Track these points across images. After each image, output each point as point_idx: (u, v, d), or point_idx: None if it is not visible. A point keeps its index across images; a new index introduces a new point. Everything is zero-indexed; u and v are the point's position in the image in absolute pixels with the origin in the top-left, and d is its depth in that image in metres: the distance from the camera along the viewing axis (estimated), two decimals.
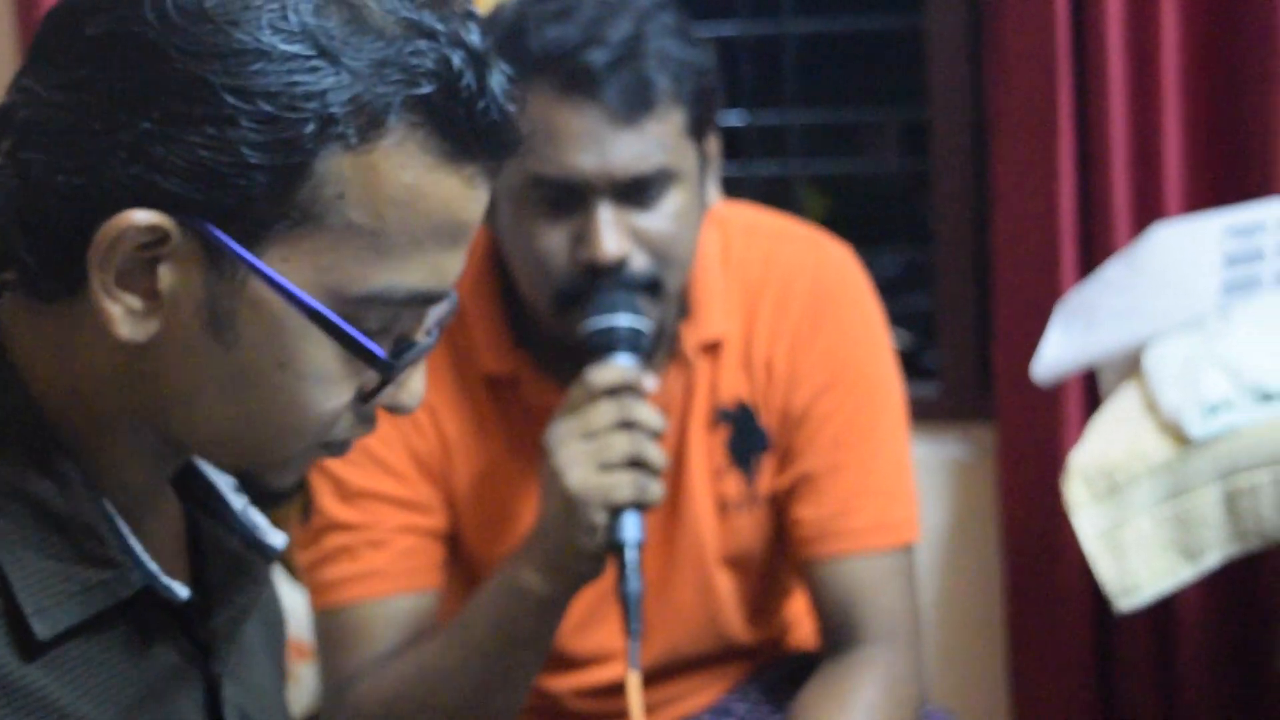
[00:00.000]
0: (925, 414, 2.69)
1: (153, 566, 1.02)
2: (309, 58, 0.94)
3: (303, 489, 1.76)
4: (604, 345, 1.63)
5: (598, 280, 1.63)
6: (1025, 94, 2.51)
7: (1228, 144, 2.46)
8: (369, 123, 0.95)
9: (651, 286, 1.66)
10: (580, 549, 1.59)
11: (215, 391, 0.99)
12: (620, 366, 1.62)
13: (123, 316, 0.96)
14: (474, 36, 0.98)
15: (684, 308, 1.77)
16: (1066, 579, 2.54)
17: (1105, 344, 2.12)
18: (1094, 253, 2.48)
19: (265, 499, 1.15)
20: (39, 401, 1.00)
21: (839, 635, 1.78)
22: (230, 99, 0.92)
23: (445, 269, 1.01)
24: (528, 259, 1.67)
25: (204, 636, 1.08)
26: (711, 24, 2.90)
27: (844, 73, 3.36)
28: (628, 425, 1.59)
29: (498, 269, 1.77)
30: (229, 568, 1.10)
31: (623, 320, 1.63)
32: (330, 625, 1.76)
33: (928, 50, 2.76)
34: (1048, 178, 2.49)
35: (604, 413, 1.59)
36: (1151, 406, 1.94)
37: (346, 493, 1.75)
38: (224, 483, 1.14)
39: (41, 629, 0.97)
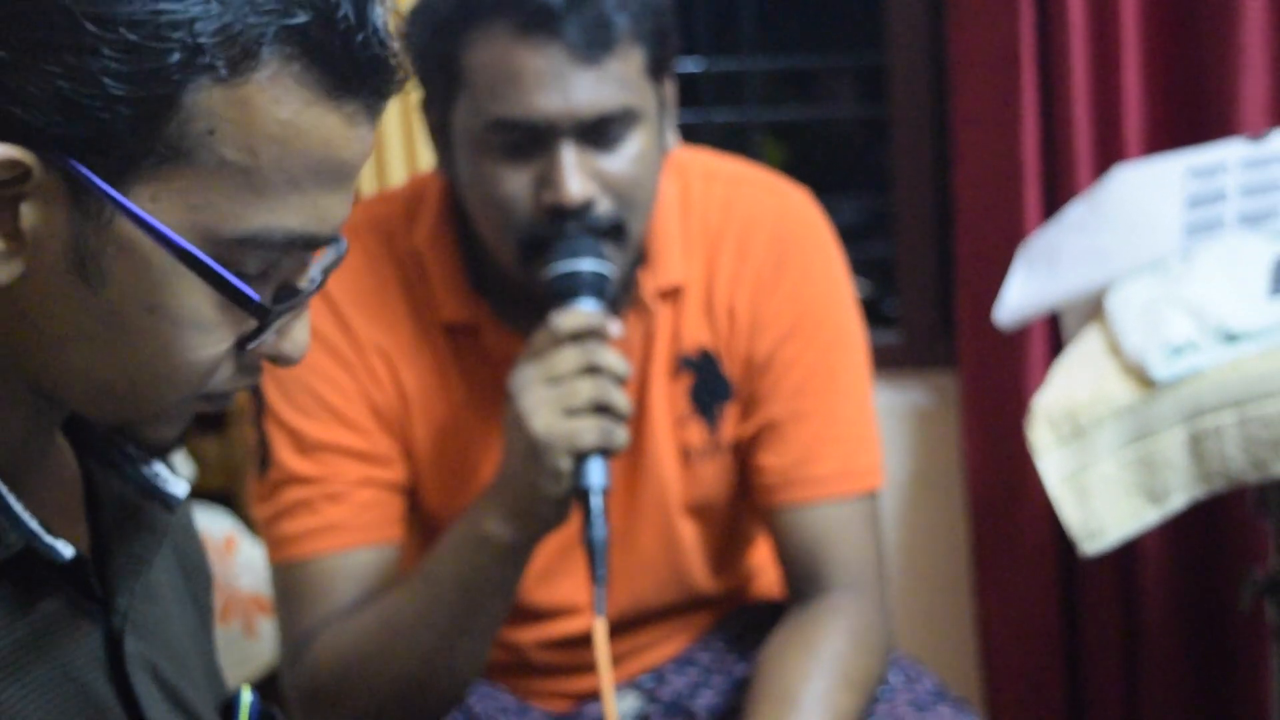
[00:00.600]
0: (887, 361, 2.69)
1: (34, 525, 0.98)
2: None
3: (262, 443, 1.74)
4: (568, 290, 1.61)
5: (561, 224, 1.61)
6: (986, 37, 2.49)
7: (1189, 85, 2.45)
8: (241, 54, 0.90)
9: (615, 231, 1.64)
10: (545, 495, 1.57)
11: (85, 339, 0.95)
12: (585, 311, 1.60)
13: None
14: None
15: (642, 254, 1.75)
16: (1030, 524, 2.55)
17: (1068, 287, 2.11)
18: (1056, 196, 2.47)
19: (148, 451, 1.09)
20: None
21: (804, 583, 1.77)
22: (91, 27, 0.88)
23: (327, 211, 0.96)
24: (489, 206, 1.65)
25: (101, 591, 1.04)
26: None
27: (802, 19, 3.33)
28: (593, 370, 1.58)
29: (455, 217, 1.75)
30: (125, 519, 1.07)
31: (586, 265, 1.61)
32: (289, 579, 1.73)
33: None
34: (1009, 121, 2.48)
35: (569, 358, 1.58)
36: (1115, 349, 1.94)
37: (304, 445, 1.72)
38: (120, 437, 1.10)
39: None
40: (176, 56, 0.89)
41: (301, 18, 0.91)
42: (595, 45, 1.59)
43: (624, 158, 1.63)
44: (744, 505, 1.84)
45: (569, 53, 1.58)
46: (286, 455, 1.72)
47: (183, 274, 0.93)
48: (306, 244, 0.97)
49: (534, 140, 1.61)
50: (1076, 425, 1.86)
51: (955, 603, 2.72)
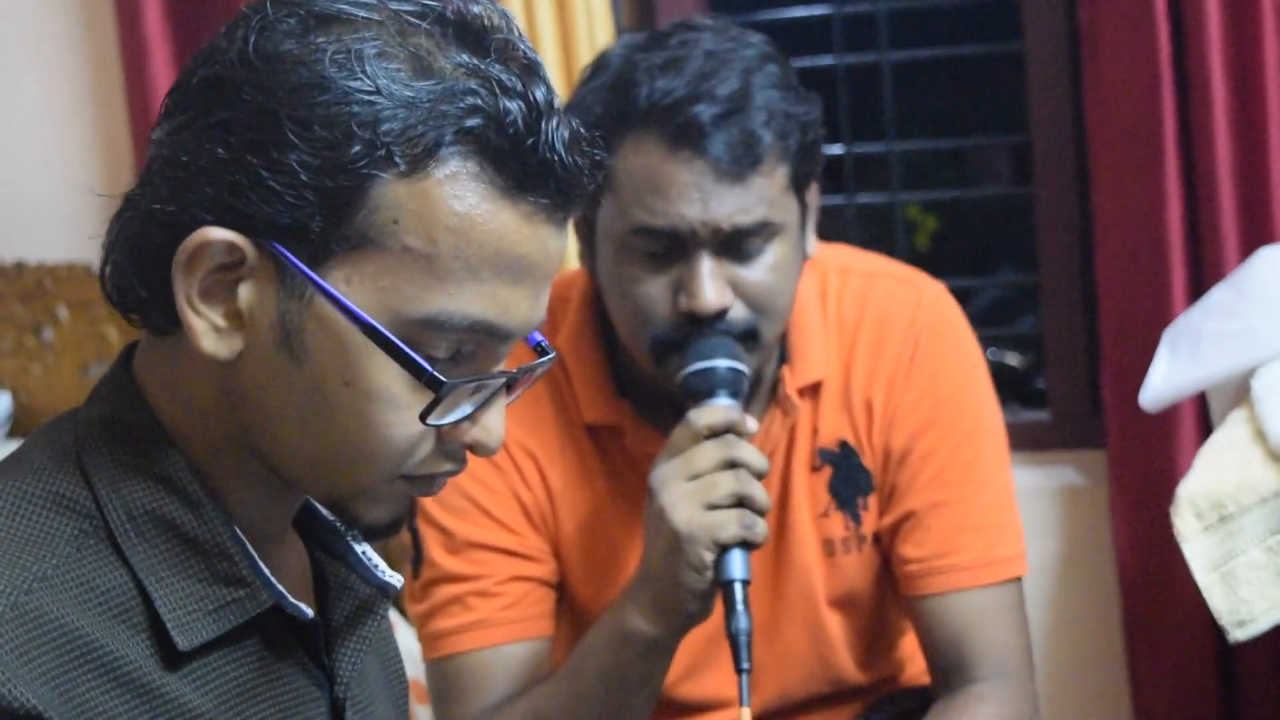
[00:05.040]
0: (1036, 440, 2.68)
1: (280, 588, 1.09)
2: (367, 92, 1.00)
3: (415, 543, 1.79)
4: (704, 388, 1.64)
5: (696, 330, 1.65)
6: (1128, 117, 2.48)
7: None
8: (422, 153, 1.01)
9: (749, 336, 1.67)
10: (687, 588, 1.59)
11: (294, 412, 1.05)
12: (723, 407, 1.63)
13: (206, 331, 1.04)
14: (533, 87, 1.04)
15: (783, 353, 1.78)
16: (1185, 605, 2.51)
17: (1212, 370, 2.10)
18: (1203, 277, 2.44)
19: (362, 534, 1.18)
20: (171, 435, 1.08)
21: (949, 673, 1.77)
22: (290, 126, 1.00)
23: (508, 303, 1.05)
24: (628, 306, 1.69)
25: (328, 664, 1.15)
26: (809, 56, 2.90)
27: (951, 96, 3.35)
28: (732, 465, 1.60)
29: (598, 319, 1.79)
30: (351, 603, 1.17)
31: (722, 363, 1.64)
32: (444, 675, 1.78)
33: (1027, 74, 2.75)
34: (1154, 202, 2.46)
35: (708, 453, 1.61)
36: (1260, 435, 1.92)
37: (455, 544, 1.77)
38: (343, 527, 1.20)
39: (182, 641, 1.04)
40: (362, 153, 1.00)
41: (475, 122, 1.01)
42: (740, 162, 1.62)
43: (761, 267, 1.66)
44: (891, 596, 1.85)
45: (714, 168, 1.62)
46: (438, 554, 1.77)
47: (373, 350, 1.02)
48: (489, 331, 1.05)
49: (674, 247, 1.65)
50: (1223, 512, 1.85)
51: (1110, 685, 2.69)
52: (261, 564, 1.09)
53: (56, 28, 3.08)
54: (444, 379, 1.03)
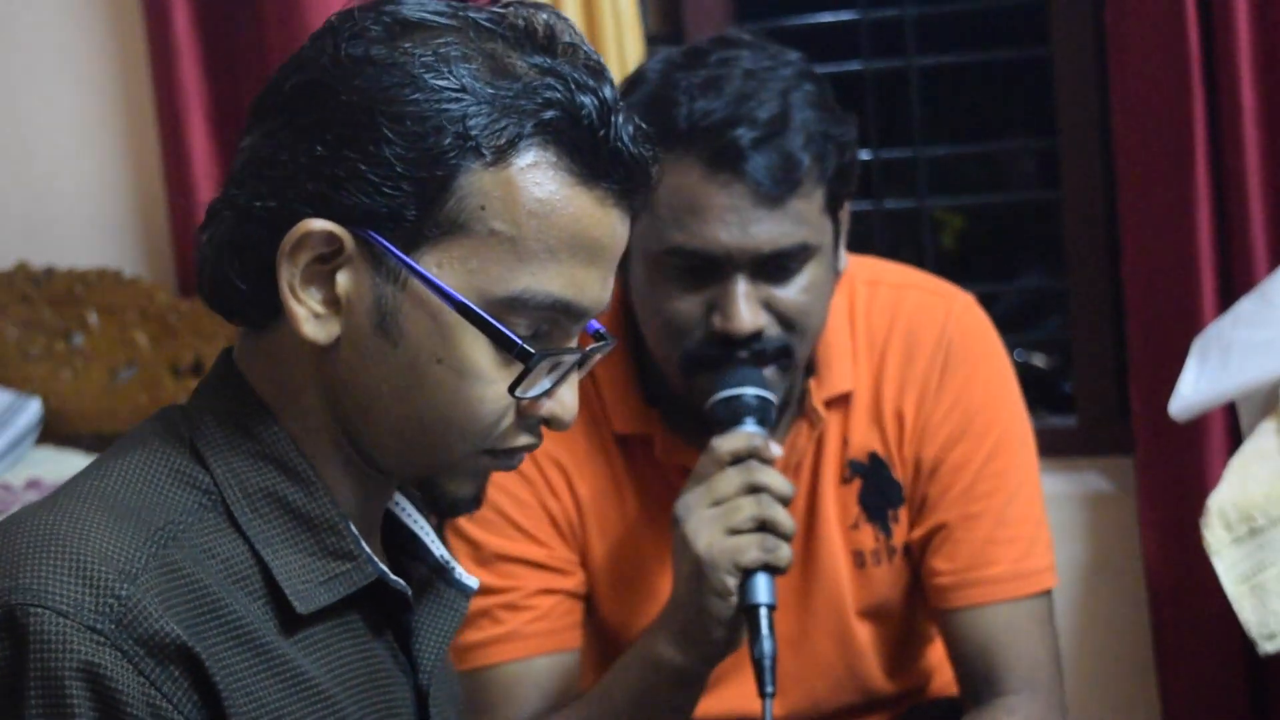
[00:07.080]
0: (1065, 446, 2.67)
1: (381, 565, 1.18)
2: (454, 90, 1.10)
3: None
4: (731, 415, 1.65)
5: (728, 349, 1.65)
6: (1156, 121, 2.46)
7: None
8: (506, 144, 1.10)
9: (782, 354, 1.67)
10: (713, 614, 1.60)
11: (388, 390, 1.13)
12: (746, 433, 1.63)
13: (307, 317, 1.12)
14: (601, 85, 1.13)
15: (810, 365, 1.78)
16: (1215, 614, 2.49)
17: (1242, 379, 2.09)
18: (1232, 283, 2.43)
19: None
20: (278, 421, 1.17)
21: (979, 685, 1.77)
22: (385, 121, 1.09)
23: (582, 283, 1.14)
24: (659, 321, 1.69)
25: (414, 653, 1.23)
26: (836, 61, 2.90)
27: (975, 102, 3.33)
28: (754, 490, 1.61)
29: (628, 329, 1.79)
30: (432, 600, 1.25)
31: (749, 390, 1.65)
32: (473, 688, 1.78)
33: (1054, 78, 2.74)
34: (1182, 208, 2.44)
35: (730, 479, 1.61)
36: None
37: (484, 557, 1.78)
38: (423, 532, 1.28)
39: (300, 605, 1.13)
40: (452, 145, 1.10)
41: (553, 114, 1.11)
42: (779, 186, 1.62)
43: (796, 288, 1.66)
44: (920, 607, 1.85)
45: (753, 192, 1.62)
46: (467, 566, 1.77)
47: (464, 328, 1.11)
48: (566, 310, 1.14)
49: (709, 269, 1.65)
50: (1252, 524, 1.84)
51: (1139, 694, 2.68)
52: (364, 543, 1.17)
53: (85, 35, 3.09)
54: (532, 350, 1.12)
